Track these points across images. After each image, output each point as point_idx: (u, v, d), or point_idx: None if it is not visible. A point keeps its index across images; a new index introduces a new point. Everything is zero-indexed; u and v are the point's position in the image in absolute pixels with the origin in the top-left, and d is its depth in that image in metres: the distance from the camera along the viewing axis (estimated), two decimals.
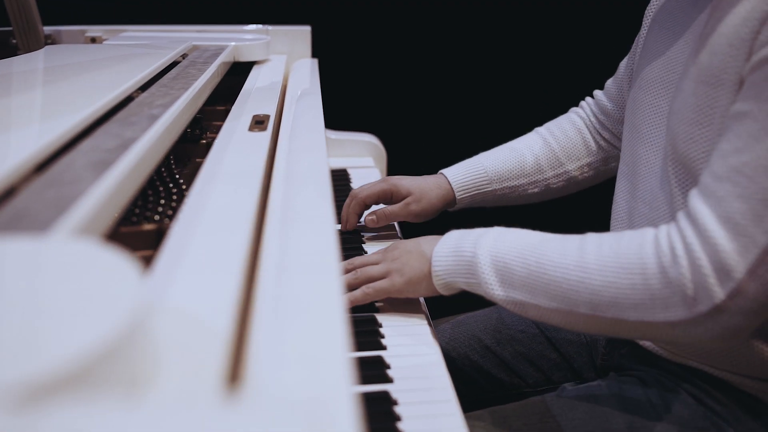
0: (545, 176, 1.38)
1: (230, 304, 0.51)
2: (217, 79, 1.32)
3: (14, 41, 1.57)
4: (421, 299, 1.21)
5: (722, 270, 0.80)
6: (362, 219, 1.38)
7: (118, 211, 0.64)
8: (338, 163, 1.85)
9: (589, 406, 1.06)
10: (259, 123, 1.05)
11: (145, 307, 0.39)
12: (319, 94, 1.37)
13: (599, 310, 0.88)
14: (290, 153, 0.95)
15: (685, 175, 0.96)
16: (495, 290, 0.95)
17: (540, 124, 1.46)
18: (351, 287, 1.09)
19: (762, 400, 1.01)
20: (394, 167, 1.96)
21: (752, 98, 0.83)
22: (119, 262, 0.43)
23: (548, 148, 1.38)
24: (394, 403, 0.88)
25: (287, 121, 1.15)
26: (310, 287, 0.56)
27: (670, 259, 0.84)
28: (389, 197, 1.37)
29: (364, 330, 1.04)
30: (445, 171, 1.38)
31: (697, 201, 0.85)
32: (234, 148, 0.93)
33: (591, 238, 0.92)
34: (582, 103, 1.45)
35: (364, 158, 1.88)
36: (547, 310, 0.92)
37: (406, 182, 1.36)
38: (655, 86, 1.07)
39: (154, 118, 0.86)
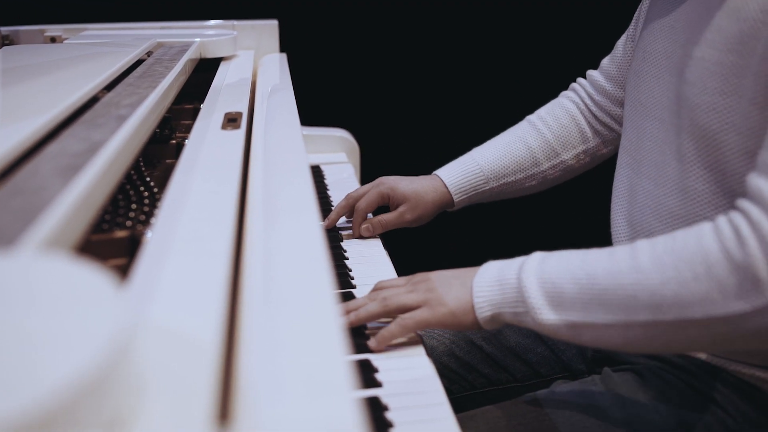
0: (542, 168, 1.35)
1: (217, 318, 0.47)
2: (185, 77, 1.28)
3: None
4: None
5: None
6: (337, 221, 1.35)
7: (90, 219, 0.59)
8: (310, 160, 1.81)
9: (584, 404, 1.03)
10: (231, 121, 1.01)
11: (127, 330, 0.35)
12: (291, 89, 1.33)
13: (660, 312, 0.79)
14: (267, 150, 0.91)
15: (705, 148, 0.91)
16: (545, 315, 0.86)
17: (519, 111, 1.43)
18: (378, 316, 0.98)
19: (760, 389, 0.99)
20: (367, 161, 1.93)
21: None
22: (95, 279, 0.39)
23: (543, 139, 1.34)
24: (385, 408, 0.84)
25: (260, 117, 1.11)
26: (302, 298, 0.52)
27: (736, 242, 0.76)
28: (386, 202, 1.34)
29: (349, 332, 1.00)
30: (440, 173, 1.35)
31: (758, 180, 0.79)
32: (208, 149, 0.88)
33: (641, 242, 0.84)
34: (574, 85, 1.41)
35: (337, 154, 1.84)
36: (604, 326, 0.82)
37: (402, 186, 1.32)
38: (658, 56, 1.03)
39: (122, 119, 0.82)
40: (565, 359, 1.26)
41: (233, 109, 1.08)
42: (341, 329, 0.47)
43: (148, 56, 1.36)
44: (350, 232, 1.35)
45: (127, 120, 0.80)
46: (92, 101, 0.95)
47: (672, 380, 1.03)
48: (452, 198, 1.33)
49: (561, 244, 1.00)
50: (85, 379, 0.30)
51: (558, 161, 1.35)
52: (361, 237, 1.33)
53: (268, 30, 1.77)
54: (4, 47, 1.46)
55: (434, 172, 1.35)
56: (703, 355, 1.01)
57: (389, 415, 0.83)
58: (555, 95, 1.43)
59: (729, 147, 0.88)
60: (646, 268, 0.80)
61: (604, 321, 0.82)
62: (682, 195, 0.95)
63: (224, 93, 1.22)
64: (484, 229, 2.31)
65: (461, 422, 1.04)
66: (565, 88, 1.43)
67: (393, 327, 0.94)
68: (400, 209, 1.32)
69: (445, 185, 1.33)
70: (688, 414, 0.99)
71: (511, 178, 1.34)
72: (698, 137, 0.92)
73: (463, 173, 1.33)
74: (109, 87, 1.05)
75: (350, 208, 1.36)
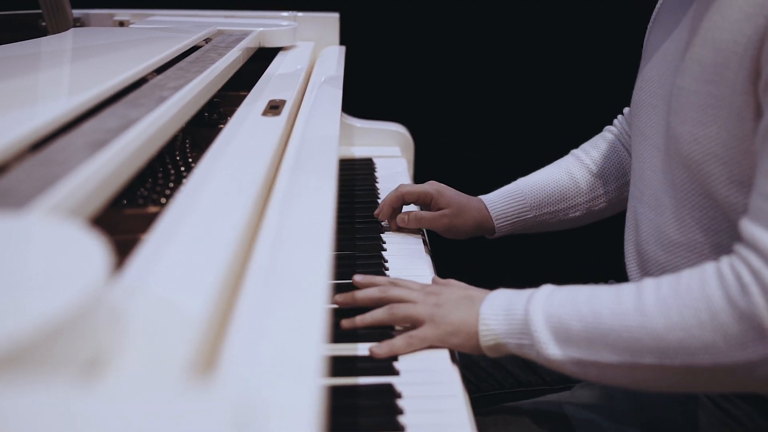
0: (585, 199, 1.34)
1: (209, 293, 0.49)
2: (239, 64, 1.31)
3: (43, 24, 1.57)
4: None
5: None
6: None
7: (110, 192, 0.63)
8: (364, 152, 1.83)
9: (603, 408, 1.03)
10: (273, 108, 1.04)
11: (101, 282, 0.38)
12: (341, 81, 1.35)
13: (666, 358, 0.79)
14: (303, 140, 0.93)
15: (689, 178, 0.91)
16: (550, 350, 0.86)
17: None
18: (384, 323, 0.98)
19: None
20: (421, 158, 1.94)
21: None
22: (86, 239, 0.42)
23: (586, 170, 1.34)
24: (398, 396, 0.86)
25: (306, 107, 1.13)
26: (297, 283, 0.55)
27: (738, 289, 0.76)
28: (429, 201, 1.35)
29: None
30: (484, 197, 1.35)
31: (752, 227, 0.79)
32: (244, 133, 0.91)
33: (647, 281, 0.85)
34: (615, 120, 1.41)
35: (390, 147, 1.86)
36: (610, 366, 0.82)
37: (449, 194, 1.33)
38: (653, 85, 1.03)
39: (162, 100, 0.85)
40: None
41: (279, 96, 1.11)
42: (323, 317, 0.49)
43: (206, 43, 1.40)
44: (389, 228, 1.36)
45: (166, 101, 0.83)
46: (140, 82, 0.99)
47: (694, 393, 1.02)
48: (493, 224, 1.33)
49: (592, 275, 0.99)
50: (58, 318, 0.33)
51: (602, 192, 1.34)
52: (397, 229, 1.35)
53: (329, 22, 1.80)
54: (74, 29, 1.52)
55: (479, 197, 1.36)
56: None
57: (401, 403, 0.85)
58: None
59: (714, 176, 0.88)
60: (651, 311, 0.80)
61: (610, 361, 0.82)
62: (679, 223, 0.94)
63: (274, 81, 1.26)
64: (527, 254, 2.29)
65: (479, 417, 1.05)
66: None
67: (399, 342, 0.94)
68: (440, 212, 1.33)
69: (487, 209, 1.33)
70: (705, 424, 0.98)
71: (555, 207, 1.33)
72: (685, 166, 0.91)
73: (506, 199, 1.33)
74: (161, 70, 1.09)
75: (400, 201, 1.37)
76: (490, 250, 1.39)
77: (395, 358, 0.93)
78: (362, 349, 0.94)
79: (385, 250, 1.27)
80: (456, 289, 0.99)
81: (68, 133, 0.71)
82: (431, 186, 1.35)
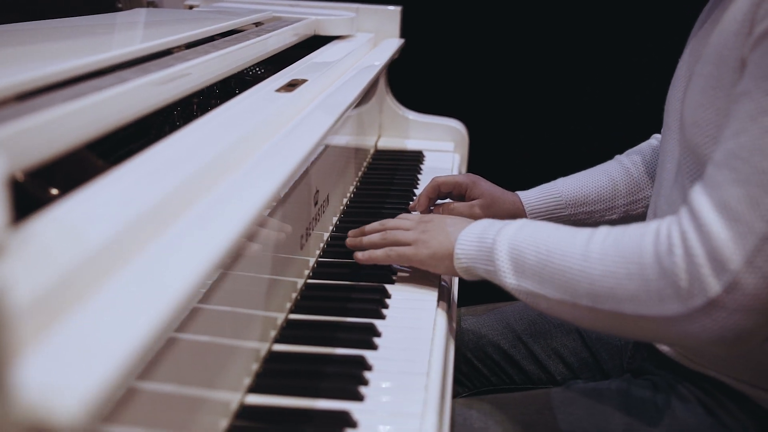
0: (623, 202, 1.32)
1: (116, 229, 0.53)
2: (279, 45, 1.35)
3: (119, 5, 1.67)
4: (455, 282, 1.20)
5: (717, 260, 0.74)
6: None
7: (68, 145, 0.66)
8: (416, 145, 1.85)
9: (590, 404, 1.02)
10: (291, 86, 1.08)
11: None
12: (376, 69, 1.38)
13: (598, 302, 0.83)
14: (299, 123, 0.96)
15: (694, 164, 0.91)
16: (508, 278, 0.93)
17: (629, 130, 1.40)
18: (377, 247, 1.11)
19: None
20: (476, 155, 1.95)
21: (751, 77, 0.78)
22: None
23: (626, 173, 1.32)
24: (368, 368, 0.88)
25: (329, 91, 1.17)
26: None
27: (666, 248, 0.79)
28: (464, 191, 1.36)
29: (369, 298, 1.04)
30: (521, 193, 1.36)
31: (696, 191, 0.80)
32: (246, 103, 0.95)
33: (601, 229, 0.88)
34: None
35: (444, 142, 1.88)
36: (554, 301, 0.88)
37: (484, 185, 1.35)
38: (681, 75, 1.02)
39: (165, 67, 0.90)
40: (606, 369, 1.24)
41: (303, 77, 1.15)
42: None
43: (255, 26, 1.45)
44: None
45: (163, 71, 0.87)
46: (164, 53, 1.04)
47: (685, 395, 1.00)
48: (527, 218, 1.33)
49: None
50: None
51: (641, 196, 1.31)
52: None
53: (390, 15, 1.83)
54: (140, 8, 1.60)
55: (516, 192, 1.36)
56: (723, 377, 0.97)
57: (368, 375, 0.87)
58: None
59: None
60: (593, 257, 0.85)
61: (554, 297, 0.88)
62: None
63: (310, 65, 1.29)
64: None
65: (467, 402, 1.06)
66: None
67: (380, 252, 1.09)
68: (473, 202, 1.34)
69: (522, 204, 1.33)
70: (689, 424, 0.97)
71: (590, 208, 1.32)
72: (689, 153, 0.91)
73: (541, 196, 1.33)
74: (194, 45, 1.14)
75: (436, 191, 1.38)
76: None
77: (379, 334, 0.95)
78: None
79: None
80: (447, 218, 1.09)
81: (60, 90, 0.76)
82: (466, 177, 1.37)
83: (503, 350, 1.28)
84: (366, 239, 1.12)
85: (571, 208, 1.32)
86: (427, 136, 1.89)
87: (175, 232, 0.57)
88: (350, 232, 1.16)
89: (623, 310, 0.81)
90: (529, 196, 1.34)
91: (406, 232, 1.09)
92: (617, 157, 1.37)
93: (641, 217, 1.34)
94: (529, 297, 0.91)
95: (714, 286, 0.75)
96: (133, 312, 0.43)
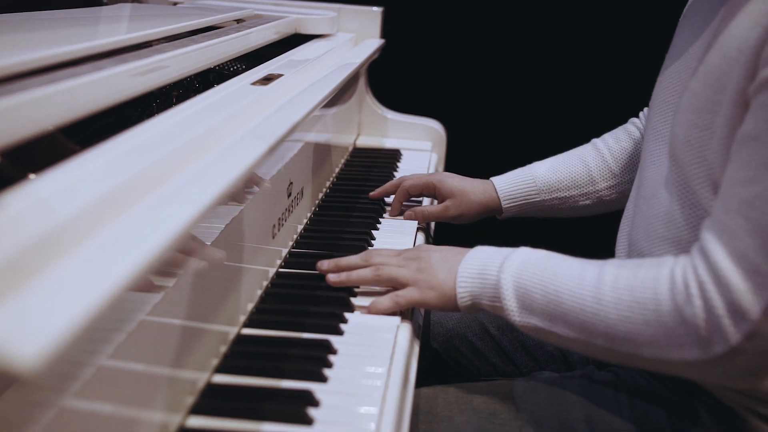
0: (597, 188, 1.35)
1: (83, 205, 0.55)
2: (259, 42, 1.38)
3: (105, 0, 1.69)
4: None
5: (736, 311, 0.76)
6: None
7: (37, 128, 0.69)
8: (394, 144, 1.89)
9: (552, 393, 1.05)
10: (266, 80, 1.11)
11: None
12: (355, 63, 1.41)
13: (615, 344, 0.86)
14: (270, 116, 0.98)
15: (680, 178, 0.93)
16: (516, 317, 0.94)
17: (609, 127, 1.43)
18: (368, 283, 1.06)
19: (737, 413, 0.97)
20: (454, 155, 1.98)
21: (761, 120, 0.78)
22: None
23: (601, 159, 1.35)
24: (333, 351, 0.91)
25: (303, 87, 1.19)
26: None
27: (684, 297, 0.80)
28: (432, 191, 1.40)
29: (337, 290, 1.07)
30: (494, 178, 1.39)
31: (708, 236, 0.81)
32: (221, 95, 0.98)
33: (609, 268, 0.89)
34: (640, 113, 1.41)
35: (422, 141, 1.91)
36: (567, 338, 0.90)
37: (451, 182, 1.38)
38: (672, 80, 1.03)
39: (139, 59, 0.93)
40: (571, 361, 1.27)
41: (280, 72, 1.18)
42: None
43: (237, 23, 1.48)
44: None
45: (135, 61, 0.90)
46: (143, 45, 1.07)
47: (648, 392, 1.03)
48: (500, 204, 1.36)
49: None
50: None
51: (615, 182, 1.34)
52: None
53: (371, 16, 1.86)
54: (124, 3, 1.63)
55: (490, 178, 1.39)
56: None
57: (332, 358, 0.90)
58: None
59: (700, 180, 0.89)
60: (606, 301, 0.86)
61: (567, 335, 0.90)
62: (668, 218, 0.96)
63: (288, 61, 1.32)
64: (532, 242, 2.29)
65: (433, 390, 1.09)
66: None
67: (386, 301, 1.01)
68: (445, 203, 1.37)
69: (495, 190, 1.36)
70: (650, 423, 0.99)
71: (565, 193, 1.35)
72: (677, 164, 0.93)
73: (515, 181, 1.36)
74: (172, 39, 1.17)
75: (396, 188, 1.42)
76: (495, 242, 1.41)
77: (345, 320, 0.99)
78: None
79: (377, 229, 1.33)
80: (435, 252, 1.05)
81: (36, 77, 0.79)
82: (433, 176, 1.40)
83: (471, 343, 1.31)
84: (355, 275, 1.05)
85: (545, 193, 1.35)
86: (406, 135, 1.92)
87: (141, 208, 0.60)
88: (323, 265, 1.08)
89: (641, 354, 0.84)
90: (503, 182, 1.37)
91: (400, 270, 1.04)
92: (593, 141, 1.39)
93: (614, 202, 1.36)
94: (538, 333, 0.93)
95: (734, 335, 0.77)
96: (94, 276, 0.46)
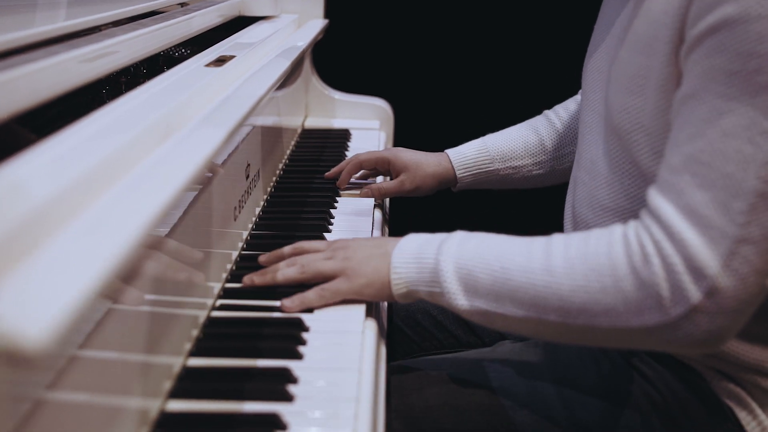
0: (550, 157, 1.37)
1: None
2: (205, 25, 1.37)
3: None
4: None
5: (695, 267, 0.76)
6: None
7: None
8: (342, 124, 1.89)
9: (520, 361, 1.07)
10: (220, 61, 1.09)
11: None
12: (303, 45, 1.40)
13: (569, 318, 0.83)
14: (227, 98, 0.97)
15: (620, 146, 0.94)
16: (459, 301, 0.89)
17: (559, 99, 1.45)
18: (293, 282, 0.99)
19: (694, 369, 1.00)
20: (402, 133, 1.99)
21: (696, 78, 0.79)
22: None
23: (553, 129, 1.37)
24: (305, 329, 0.91)
25: (255, 68, 1.19)
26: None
27: (641, 258, 0.79)
28: (386, 166, 1.41)
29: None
30: (449, 150, 1.40)
31: (656, 197, 0.81)
32: (177, 77, 0.97)
33: (557, 239, 0.88)
34: None
35: (370, 121, 1.92)
36: (515, 319, 0.86)
37: (405, 156, 1.38)
38: (600, 51, 1.05)
39: (93, 43, 0.91)
40: None
41: (231, 53, 1.17)
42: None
43: (181, 6, 1.46)
44: (354, 191, 1.41)
45: (96, 43, 0.89)
46: (92, 30, 1.05)
47: (610, 352, 1.05)
48: (455, 174, 1.37)
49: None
50: None
51: (566, 152, 1.36)
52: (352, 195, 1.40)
53: None
54: None
55: (445, 150, 1.40)
56: None
57: (305, 335, 0.90)
58: None
59: (640, 146, 0.90)
60: (558, 272, 0.83)
61: (515, 314, 0.86)
62: (609, 189, 0.97)
63: (236, 43, 1.31)
64: (487, 215, 2.33)
65: (403, 365, 1.10)
66: None
67: (311, 294, 0.96)
68: (400, 177, 1.38)
69: (450, 161, 1.37)
70: (616, 383, 1.02)
71: (518, 162, 1.37)
72: (616, 135, 0.94)
73: (469, 151, 1.37)
74: (119, 24, 1.14)
75: (353, 166, 1.43)
76: (450, 216, 1.42)
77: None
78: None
79: (335, 208, 1.33)
80: (365, 241, 1.02)
81: None
82: (387, 151, 1.41)
83: (432, 316, 1.32)
84: (281, 276, 0.99)
85: (499, 162, 1.37)
86: (353, 115, 1.92)
87: (118, 190, 0.59)
88: (256, 280, 1.01)
89: (598, 324, 0.82)
90: (456, 153, 1.38)
91: (327, 262, 0.98)
92: (545, 112, 1.42)
93: (567, 172, 1.38)
94: (483, 317, 0.89)
95: (695, 293, 0.76)
96: (86, 258, 0.45)
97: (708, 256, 0.76)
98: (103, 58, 0.92)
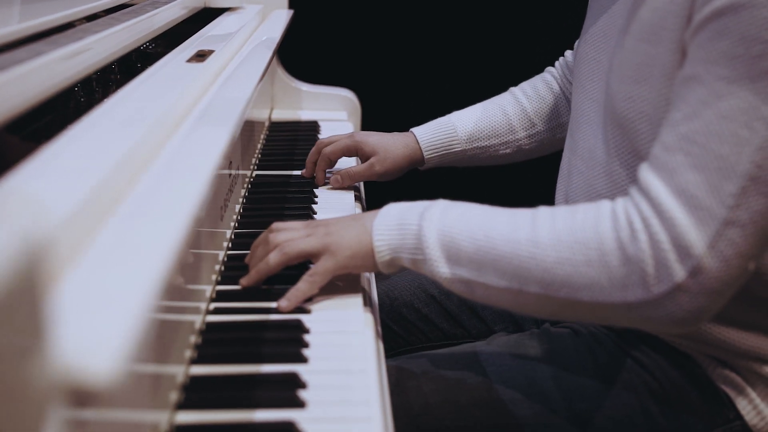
0: (517, 137, 1.37)
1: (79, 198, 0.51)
2: (177, 18, 1.33)
3: None
4: None
5: (681, 246, 0.77)
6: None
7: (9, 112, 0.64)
8: (310, 116, 1.86)
9: (517, 355, 1.06)
10: (200, 56, 1.06)
11: None
12: (277, 38, 1.37)
13: (551, 289, 0.83)
14: (220, 87, 0.95)
15: (621, 136, 0.93)
16: (441, 268, 0.88)
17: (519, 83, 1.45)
18: (278, 267, 0.95)
19: (690, 356, 1.00)
20: (368, 122, 1.97)
21: (699, 60, 0.79)
22: None
23: (520, 108, 1.37)
24: (306, 331, 0.89)
25: (235, 63, 1.15)
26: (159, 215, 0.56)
27: (629, 233, 0.79)
28: (354, 153, 1.38)
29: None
30: (415, 129, 1.39)
31: (648, 174, 0.81)
32: (162, 74, 0.93)
33: (543, 211, 0.87)
34: (556, 62, 1.43)
35: (337, 112, 1.89)
36: (496, 289, 0.86)
37: (372, 140, 1.36)
38: (597, 39, 1.05)
39: (79, 40, 0.87)
40: (518, 318, 1.29)
41: (209, 48, 1.13)
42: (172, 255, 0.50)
43: None
44: (328, 183, 1.39)
45: (81, 40, 0.85)
46: (67, 26, 1.00)
47: (604, 340, 1.05)
48: (422, 155, 1.36)
49: None
50: None
51: (534, 132, 1.36)
52: (331, 187, 1.37)
53: None
54: None
55: (410, 129, 1.39)
56: None
57: (307, 338, 0.88)
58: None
59: (642, 136, 0.90)
60: (544, 243, 0.83)
61: (497, 284, 0.85)
62: (608, 178, 0.97)
63: (209, 36, 1.27)
64: (464, 195, 2.34)
65: (398, 362, 1.08)
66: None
67: (303, 285, 0.93)
68: (370, 161, 1.36)
69: (417, 141, 1.36)
70: (612, 371, 1.02)
71: (485, 143, 1.36)
72: (617, 124, 0.94)
73: (436, 131, 1.36)
74: (92, 18, 1.10)
75: (319, 154, 1.40)
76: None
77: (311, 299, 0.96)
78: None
79: (316, 203, 1.30)
80: (342, 216, 1.00)
81: None
82: (353, 137, 1.38)
83: (417, 309, 1.31)
84: (264, 266, 0.95)
85: (466, 143, 1.36)
86: (320, 107, 1.89)
87: (139, 192, 0.56)
88: (243, 282, 0.98)
89: (580, 298, 0.81)
90: (423, 132, 1.37)
91: (308, 239, 0.94)
92: (511, 89, 1.41)
93: (533, 151, 1.39)
94: (464, 286, 0.88)
95: (679, 271, 0.77)
96: (132, 275, 0.43)
97: (695, 236, 0.76)
98: (81, 55, 0.88)
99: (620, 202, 0.83)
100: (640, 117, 0.90)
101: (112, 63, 1.22)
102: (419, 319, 1.31)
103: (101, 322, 0.36)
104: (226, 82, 0.97)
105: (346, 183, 1.37)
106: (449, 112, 1.39)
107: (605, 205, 0.85)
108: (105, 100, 0.95)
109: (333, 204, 1.31)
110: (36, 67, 0.72)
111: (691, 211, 0.77)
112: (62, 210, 0.49)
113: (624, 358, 1.03)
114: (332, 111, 1.89)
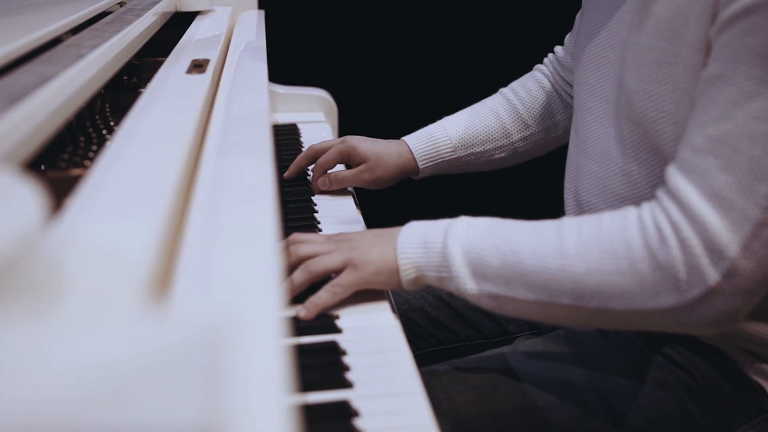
0: (512, 140, 1.33)
1: (151, 236, 0.46)
2: (156, 26, 1.26)
3: None
4: None
5: (714, 249, 0.75)
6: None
7: (33, 147, 0.59)
8: (287, 118, 1.80)
9: (547, 359, 1.03)
10: (198, 66, 1.00)
11: (39, 232, 0.35)
12: (264, 43, 1.32)
13: (583, 300, 0.81)
14: (230, 96, 0.90)
15: (640, 135, 0.91)
16: (468, 285, 0.86)
17: (503, 82, 1.41)
18: (303, 286, 0.92)
19: (722, 351, 0.99)
20: (345, 122, 1.92)
21: (726, 59, 0.77)
22: (20, 188, 0.39)
23: (513, 110, 1.33)
24: (343, 353, 0.85)
25: (230, 66, 1.10)
26: (243, 220, 0.52)
27: (658, 239, 0.78)
28: (347, 159, 1.33)
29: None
30: (407, 138, 1.34)
31: (677, 178, 0.79)
32: (168, 90, 0.88)
33: (568, 223, 0.85)
34: (545, 59, 1.40)
35: (314, 113, 1.84)
36: (525, 302, 0.84)
37: (365, 146, 1.31)
38: (602, 36, 1.02)
39: (80, 57, 0.81)
40: None
41: (202, 56, 1.07)
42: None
43: (121, 6, 1.34)
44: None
45: (85, 57, 0.79)
46: (55, 42, 0.94)
47: (632, 339, 1.03)
48: (417, 165, 1.32)
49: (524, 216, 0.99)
50: None
51: (528, 133, 1.33)
52: (320, 192, 1.33)
53: None
54: None
55: (402, 138, 1.34)
56: None
57: (346, 360, 0.83)
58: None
59: (665, 135, 0.88)
60: (571, 254, 0.81)
61: (526, 298, 0.84)
62: (626, 178, 0.95)
63: (194, 44, 1.22)
64: (460, 201, 2.31)
65: (425, 375, 1.04)
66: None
67: (324, 295, 0.91)
68: (360, 168, 1.31)
69: (411, 151, 1.31)
70: (646, 370, 1.00)
71: (480, 148, 1.32)
72: (636, 123, 0.91)
73: (429, 140, 1.31)
74: (76, 31, 1.04)
75: (311, 160, 1.35)
76: (421, 205, 1.39)
77: (337, 316, 0.91)
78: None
79: (317, 212, 1.26)
80: (365, 231, 0.98)
81: None
82: (345, 144, 1.33)
83: (427, 313, 1.27)
84: (289, 286, 0.92)
85: (461, 150, 1.32)
86: (295, 108, 1.84)
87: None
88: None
89: (612, 307, 0.80)
90: (416, 141, 1.32)
91: (333, 255, 0.93)
92: (502, 91, 1.38)
93: (528, 153, 1.36)
94: (493, 301, 0.86)
95: (713, 275, 0.75)
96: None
97: (728, 239, 0.75)
98: (82, 75, 0.82)
99: (646, 208, 0.82)
100: (662, 116, 0.88)
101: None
102: (429, 322, 1.27)
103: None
104: (232, 92, 0.92)
105: (333, 187, 1.33)
106: (426, 109, 1.35)
107: (631, 212, 0.83)
108: (121, 122, 0.90)
109: (335, 212, 1.26)
110: (50, 94, 0.66)
111: (723, 213, 0.75)
112: (141, 255, 0.44)
113: (655, 356, 1.01)
114: (309, 112, 1.84)
